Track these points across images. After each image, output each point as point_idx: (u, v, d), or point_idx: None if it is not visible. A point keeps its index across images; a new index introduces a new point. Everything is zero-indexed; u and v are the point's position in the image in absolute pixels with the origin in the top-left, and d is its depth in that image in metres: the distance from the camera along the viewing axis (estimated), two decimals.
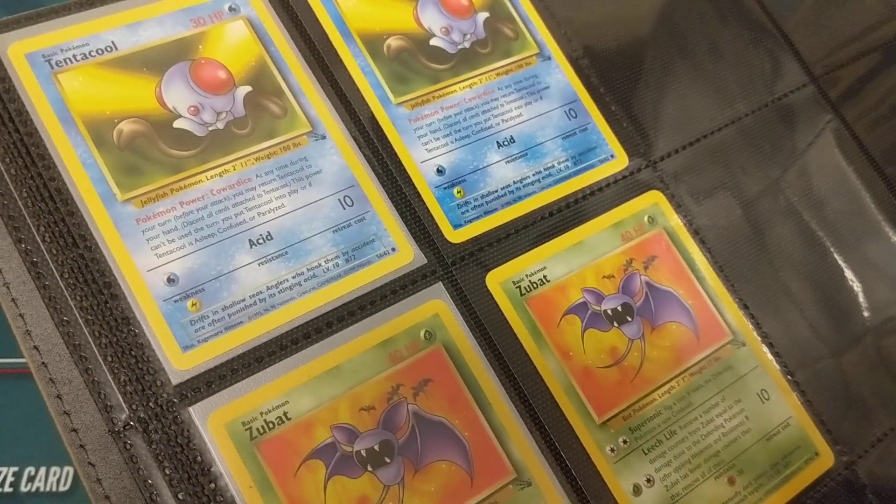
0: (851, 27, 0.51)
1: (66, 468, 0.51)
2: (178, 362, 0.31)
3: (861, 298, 0.43)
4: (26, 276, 0.31)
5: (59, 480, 0.51)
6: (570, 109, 0.41)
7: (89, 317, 0.31)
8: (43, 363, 0.31)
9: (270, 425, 0.31)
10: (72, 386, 0.30)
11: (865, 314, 0.43)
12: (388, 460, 0.32)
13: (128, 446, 0.30)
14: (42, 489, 0.50)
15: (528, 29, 0.42)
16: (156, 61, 0.35)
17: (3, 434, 0.51)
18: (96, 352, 0.31)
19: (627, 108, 0.43)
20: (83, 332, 0.31)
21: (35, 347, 0.31)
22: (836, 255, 0.44)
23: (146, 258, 0.32)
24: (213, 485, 0.30)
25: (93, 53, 0.34)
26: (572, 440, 0.35)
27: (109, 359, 0.31)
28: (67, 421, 0.30)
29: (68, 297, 0.31)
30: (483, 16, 0.41)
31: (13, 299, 0.31)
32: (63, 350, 0.30)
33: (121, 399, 0.30)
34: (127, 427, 0.30)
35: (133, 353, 0.31)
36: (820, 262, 0.43)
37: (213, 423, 0.31)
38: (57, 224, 0.32)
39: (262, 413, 0.31)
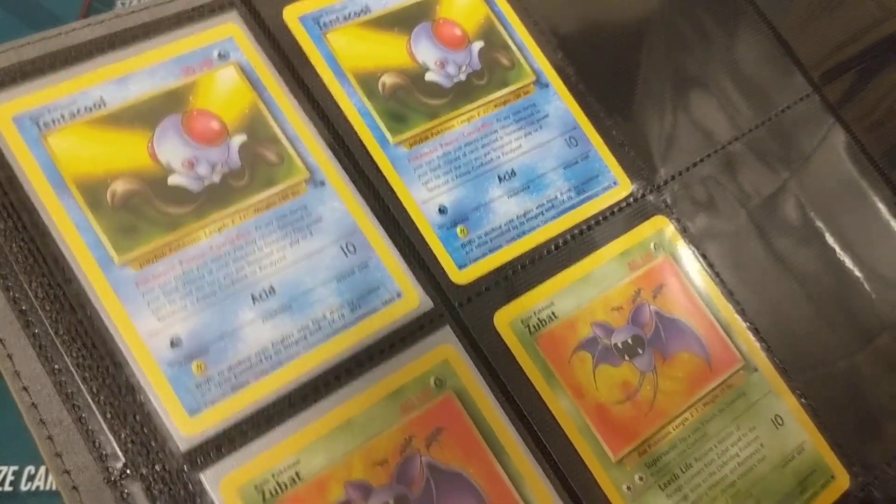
0: (848, 29, 0.51)
1: None
2: (186, 428, 0.31)
3: (873, 314, 0.43)
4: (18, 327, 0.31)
5: None
6: (570, 137, 0.40)
7: (97, 393, 0.30)
8: (33, 404, 0.30)
9: (283, 486, 0.31)
10: (62, 427, 0.30)
11: (878, 331, 0.42)
12: None
13: (127, 497, 0.29)
14: (42, 488, 0.49)
15: (524, 56, 0.41)
16: (147, 115, 0.34)
17: (3, 433, 0.50)
18: (105, 428, 0.30)
19: (629, 132, 0.42)
20: (81, 392, 0.30)
21: (24, 388, 0.30)
22: (847, 271, 0.43)
23: (148, 322, 0.31)
24: None
25: (81, 111, 0.33)
26: (589, 481, 0.35)
27: (119, 433, 0.30)
28: (59, 463, 0.30)
29: (74, 372, 0.30)
30: (478, 45, 0.40)
31: (0, 340, 0.31)
32: (52, 390, 0.30)
33: (121, 456, 0.30)
34: (123, 477, 0.30)
35: (140, 421, 0.30)
36: (831, 279, 0.43)
37: (225, 488, 0.30)
38: (54, 290, 0.31)
39: (274, 475, 0.31)
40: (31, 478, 0.49)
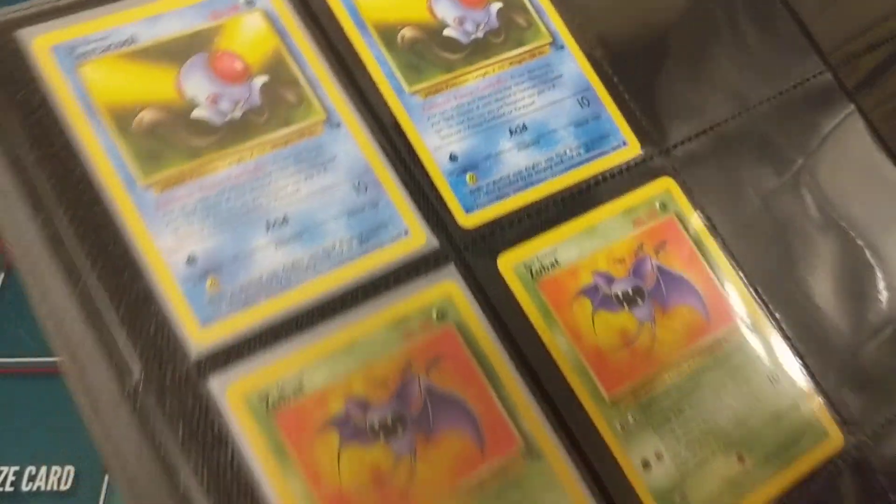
0: (869, 14, 0.52)
1: (67, 467, 0.52)
2: (197, 337, 0.32)
3: (875, 280, 0.43)
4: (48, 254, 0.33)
5: (60, 480, 0.52)
6: (582, 98, 0.42)
7: (117, 308, 0.32)
8: (57, 322, 0.32)
9: (286, 397, 0.32)
10: (84, 346, 0.32)
11: (879, 294, 0.43)
12: (400, 431, 0.33)
13: (140, 408, 0.31)
14: (43, 488, 0.50)
15: (542, 18, 0.43)
16: (175, 53, 0.36)
17: (3, 434, 0.52)
18: (123, 342, 0.32)
19: (640, 97, 0.43)
20: (103, 302, 0.32)
21: (50, 311, 0.32)
22: (849, 236, 0.44)
23: (166, 240, 0.33)
24: (229, 451, 0.31)
25: (114, 46, 0.36)
26: (581, 416, 0.36)
27: (136, 345, 0.32)
28: (81, 383, 0.32)
29: (92, 275, 0.32)
30: (496, 6, 0.42)
31: (31, 265, 0.33)
32: (77, 314, 0.32)
33: (137, 366, 0.31)
34: (137, 391, 0.31)
35: (154, 331, 0.32)
36: (833, 243, 0.43)
37: (231, 394, 0.32)
38: (82, 211, 0.33)
39: (278, 385, 0.32)
40: (32, 478, 0.51)
